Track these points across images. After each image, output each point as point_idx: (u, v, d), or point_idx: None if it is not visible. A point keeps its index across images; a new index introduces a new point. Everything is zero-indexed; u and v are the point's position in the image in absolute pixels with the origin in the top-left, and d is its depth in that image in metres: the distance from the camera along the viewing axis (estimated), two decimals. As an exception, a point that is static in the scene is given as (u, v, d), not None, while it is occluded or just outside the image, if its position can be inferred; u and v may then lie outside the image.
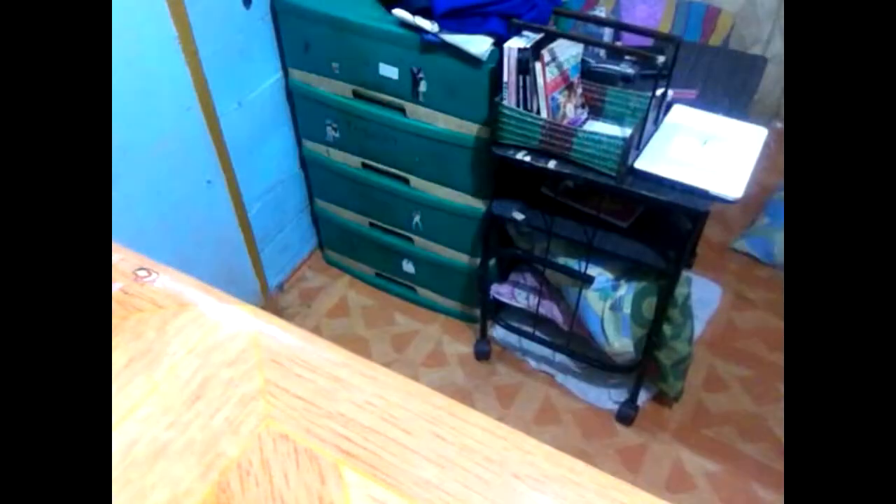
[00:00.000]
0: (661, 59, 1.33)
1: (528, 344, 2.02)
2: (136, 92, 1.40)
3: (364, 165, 1.92)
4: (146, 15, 1.37)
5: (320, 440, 0.41)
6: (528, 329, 1.93)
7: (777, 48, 2.37)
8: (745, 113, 1.56)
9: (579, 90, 1.53)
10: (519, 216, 1.65)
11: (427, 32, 1.49)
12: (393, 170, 1.87)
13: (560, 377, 1.99)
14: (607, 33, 1.71)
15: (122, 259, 0.51)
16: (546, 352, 2.01)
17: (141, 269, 0.51)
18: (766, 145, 1.47)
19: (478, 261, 1.91)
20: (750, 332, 2.12)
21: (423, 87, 1.62)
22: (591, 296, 1.72)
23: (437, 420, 0.42)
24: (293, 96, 1.92)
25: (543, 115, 1.43)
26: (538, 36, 1.38)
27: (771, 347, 2.07)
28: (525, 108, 1.44)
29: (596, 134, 1.38)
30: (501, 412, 1.92)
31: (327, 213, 2.18)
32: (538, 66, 1.38)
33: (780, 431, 1.86)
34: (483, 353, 2.04)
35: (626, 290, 1.69)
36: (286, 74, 1.88)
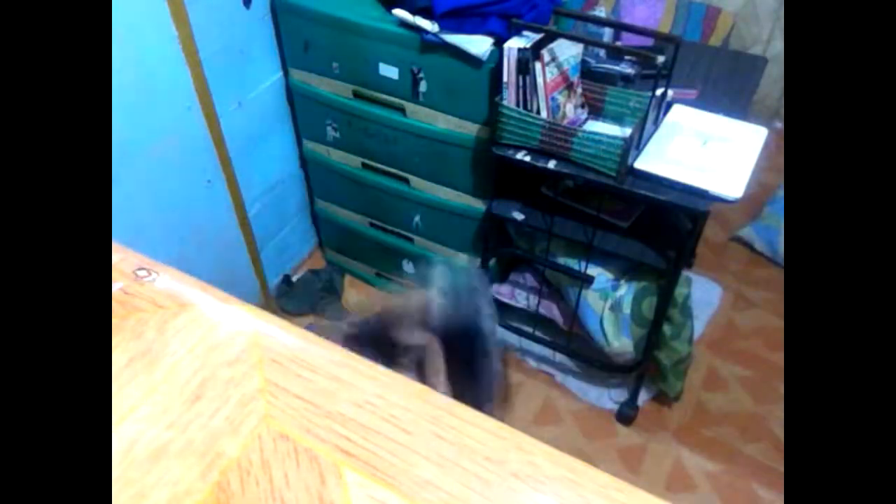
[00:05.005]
0: (661, 59, 1.32)
1: (528, 344, 2.02)
2: (137, 92, 1.40)
3: (364, 165, 1.92)
4: (146, 15, 1.37)
5: (320, 440, 0.41)
6: (528, 329, 1.93)
7: (777, 48, 2.37)
8: (745, 113, 1.56)
9: (579, 90, 1.53)
10: (519, 216, 1.65)
11: (427, 32, 1.49)
12: (393, 170, 1.87)
13: (560, 377, 1.99)
14: (607, 33, 1.71)
15: (122, 259, 0.51)
16: (546, 352, 2.01)
17: (141, 269, 0.51)
18: (766, 145, 1.47)
19: (478, 261, 1.91)
20: (750, 332, 2.12)
21: (423, 86, 1.62)
22: (591, 296, 1.72)
23: (437, 420, 0.42)
24: (293, 96, 1.92)
25: (543, 115, 1.43)
26: (538, 36, 1.38)
27: (771, 347, 2.07)
28: (525, 108, 1.44)
29: (596, 134, 1.38)
30: (501, 412, 1.92)
31: (327, 213, 2.18)
32: (538, 66, 1.38)
33: (780, 431, 1.86)
34: (483, 353, 2.04)
35: (626, 290, 1.69)
36: (286, 74, 1.88)
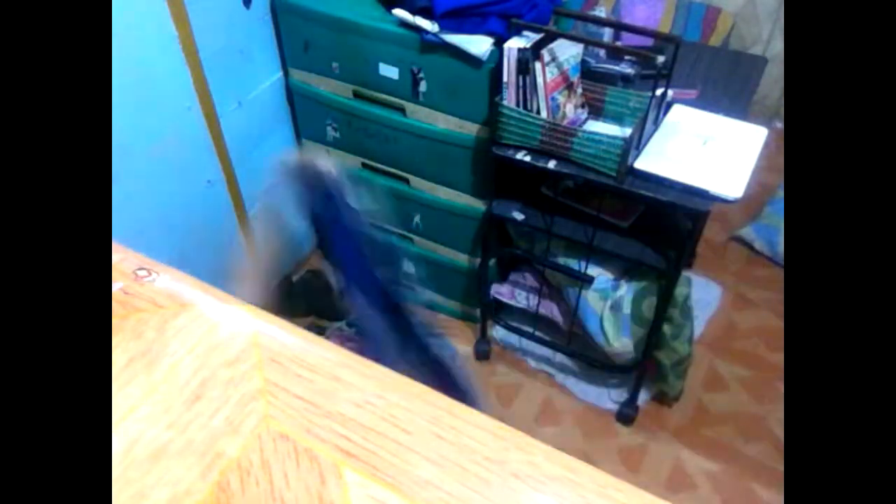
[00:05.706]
0: (660, 59, 1.32)
1: (528, 344, 2.02)
2: (137, 92, 1.40)
3: (364, 165, 1.92)
4: (146, 15, 1.37)
5: (320, 440, 0.41)
6: (528, 329, 1.93)
7: (777, 48, 2.37)
8: (745, 113, 1.56)
9: (579, 90, 1.53)
10: (519, 216, 1.65)
11: (427, 32, 1.49)
12: (393, 170, 1.87)
13: (560, 377, 1.99)
14: (607, 33, 1.71)
15: (122, 259, 0.51)
16: (546, 352, 2.01)
17: (141, 268, 0.51)
18: (766, 145, 1.47)
19: (478, 261, 1.91)
20: (750, 332, 2.12)
21: (423, 87, 1.62)
22: (591, 296, 1.71)
23: (437, 420, 0.42)
24: (293, 96, 1.92)
25: (543, 115, 1.43)
26: (538, 36, 1.38)
27: (771, 347, 2.07)
28: (525, 108, 1.44)
29: (596, 134, 1.38)
30: (501, 412, 1.92)
31: (327, 213, 2.17)
32: (538, 66, 1.38)
33: (780, 431, 1.86)
34: (483, 352, 2.04)
35: (626, 290, 1.69)
36: (286, 74, 1.88)
